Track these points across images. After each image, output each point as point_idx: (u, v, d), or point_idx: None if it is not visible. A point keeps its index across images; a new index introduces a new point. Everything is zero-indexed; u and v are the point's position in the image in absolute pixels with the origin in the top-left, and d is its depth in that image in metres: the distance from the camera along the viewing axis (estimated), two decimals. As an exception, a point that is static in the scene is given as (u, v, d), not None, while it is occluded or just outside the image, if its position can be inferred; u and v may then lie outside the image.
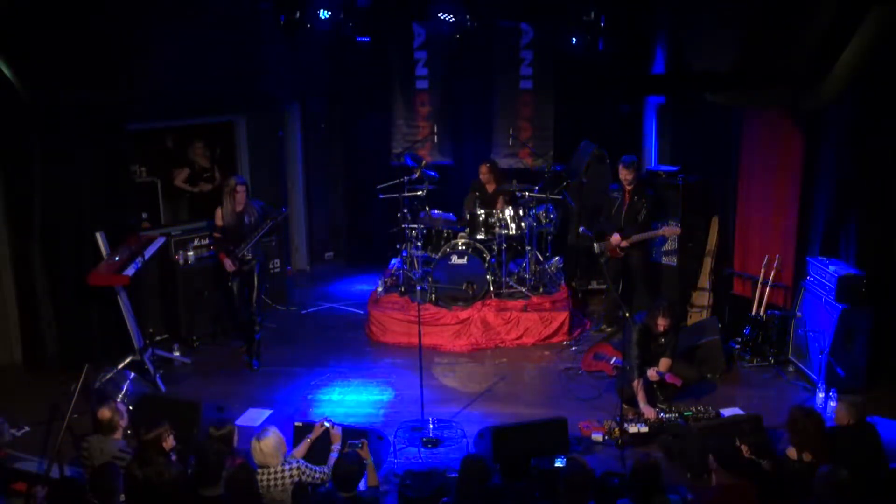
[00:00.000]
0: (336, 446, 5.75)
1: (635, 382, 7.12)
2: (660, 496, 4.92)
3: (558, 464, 5.82)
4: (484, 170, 9.57)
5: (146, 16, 7.60)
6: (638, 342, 7.17)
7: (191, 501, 5.09)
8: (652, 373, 7.17)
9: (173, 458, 5.38)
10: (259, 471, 5.30)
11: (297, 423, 6.28)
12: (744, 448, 5.33)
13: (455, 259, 9.00)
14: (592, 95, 10.52)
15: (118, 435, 5.65)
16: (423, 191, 9.58)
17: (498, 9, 10.19)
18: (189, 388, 7.85)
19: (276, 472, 5.31)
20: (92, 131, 8.03)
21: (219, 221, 8.13)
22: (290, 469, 5.34)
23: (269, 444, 5.33)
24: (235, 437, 5.64)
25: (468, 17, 9.69)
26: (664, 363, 7.24)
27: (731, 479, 4.87)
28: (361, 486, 5.30)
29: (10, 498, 5.32)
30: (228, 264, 8.09)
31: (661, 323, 7.19)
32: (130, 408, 6.46)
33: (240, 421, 7.11)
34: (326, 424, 5.95)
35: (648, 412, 6.99)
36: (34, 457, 6.38)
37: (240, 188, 8.02)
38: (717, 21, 7.79)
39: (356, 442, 5.48)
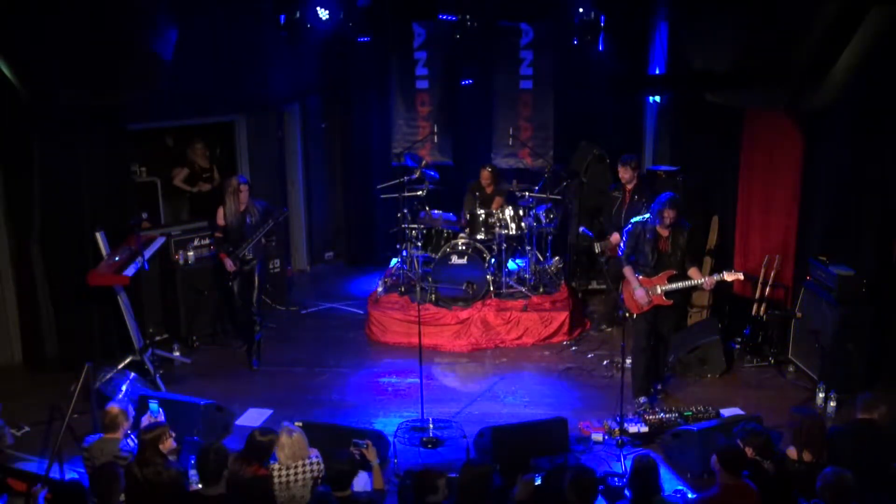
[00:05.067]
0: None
1: (626, 269, 7.21)
2: (660, 496, 4.92)
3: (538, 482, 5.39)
4: (485, 175, 9.58)
5: (146, 15, 7.59)
6: (634, 233, 7.17)
7: (191, 501, 5.09)
8: (710, 281, 7.07)
9: (172, 458, 5.37)
10: (277, 466, 5.26)
11: (297, 423, 6.26)
12: (748, 450, 5.32)
13: (455, 259, 9.00)
14: (592, 95, 10.52)
15: (119, 435, 5.64)
16: (423, 191, 9.59)
17: (498, 9, 10.19)
18: (189, 388, 7.83)
19: (300, 468, 5.27)
20: (92, 131, 8.03)
21: (221, 221, 8.13)
22: (313, 464, 5.31)
23: (300, 439, 5.29)
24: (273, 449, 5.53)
25: (468, 17, 9.69)
26: (695, 272, 7.14)
27: (732, 479, 4.87)
28: (368, 487, 5.27)
29: (10, 498, 5.31)
30: (229, 264, 8.10)
31: (668, 215, 6.93)
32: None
33: (240, 421, 7.13)
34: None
35: (644, 282, 7.10)
36: (34, 457, 6.39)
37: (242, 188, 8.03)
38: (716, 21, 7.79)
39: (361, 442, 5.42)
